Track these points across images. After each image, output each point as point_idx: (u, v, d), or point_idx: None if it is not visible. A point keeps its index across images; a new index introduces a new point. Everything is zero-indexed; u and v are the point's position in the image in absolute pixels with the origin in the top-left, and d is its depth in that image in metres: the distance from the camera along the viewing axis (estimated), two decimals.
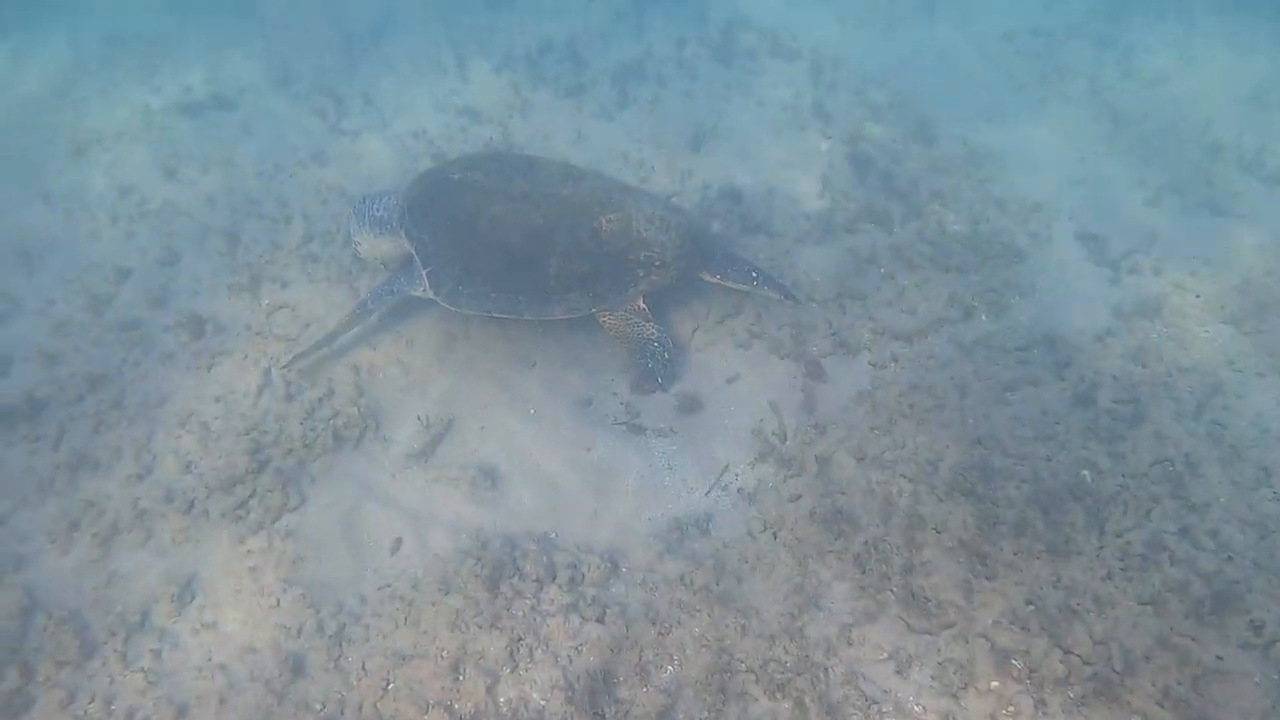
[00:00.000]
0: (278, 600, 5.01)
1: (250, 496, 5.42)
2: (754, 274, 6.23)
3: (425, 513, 5.44)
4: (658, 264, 5.94)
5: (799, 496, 5.42)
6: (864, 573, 4.96)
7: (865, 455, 5.51)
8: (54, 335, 6.36)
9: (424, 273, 5.94)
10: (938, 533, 5.04)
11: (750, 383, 6.16)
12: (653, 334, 5.98)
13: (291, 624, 4.92)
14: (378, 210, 6.33)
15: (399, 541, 5.29)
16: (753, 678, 4.50)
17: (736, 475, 5.67)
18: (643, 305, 6.02)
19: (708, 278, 6.23)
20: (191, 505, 5.38)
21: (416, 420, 5.87)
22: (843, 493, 5.37)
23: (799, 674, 4.49)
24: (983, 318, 6.44)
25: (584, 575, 5.06)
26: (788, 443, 5.79)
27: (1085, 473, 5.25)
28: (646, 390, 5.96)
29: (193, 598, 5.08)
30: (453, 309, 5.89)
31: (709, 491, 5.55)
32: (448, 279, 5.86)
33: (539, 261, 5.76)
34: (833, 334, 6.36)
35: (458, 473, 5.55)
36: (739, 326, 6.45)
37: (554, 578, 5.02)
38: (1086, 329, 6.19)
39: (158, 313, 6.52)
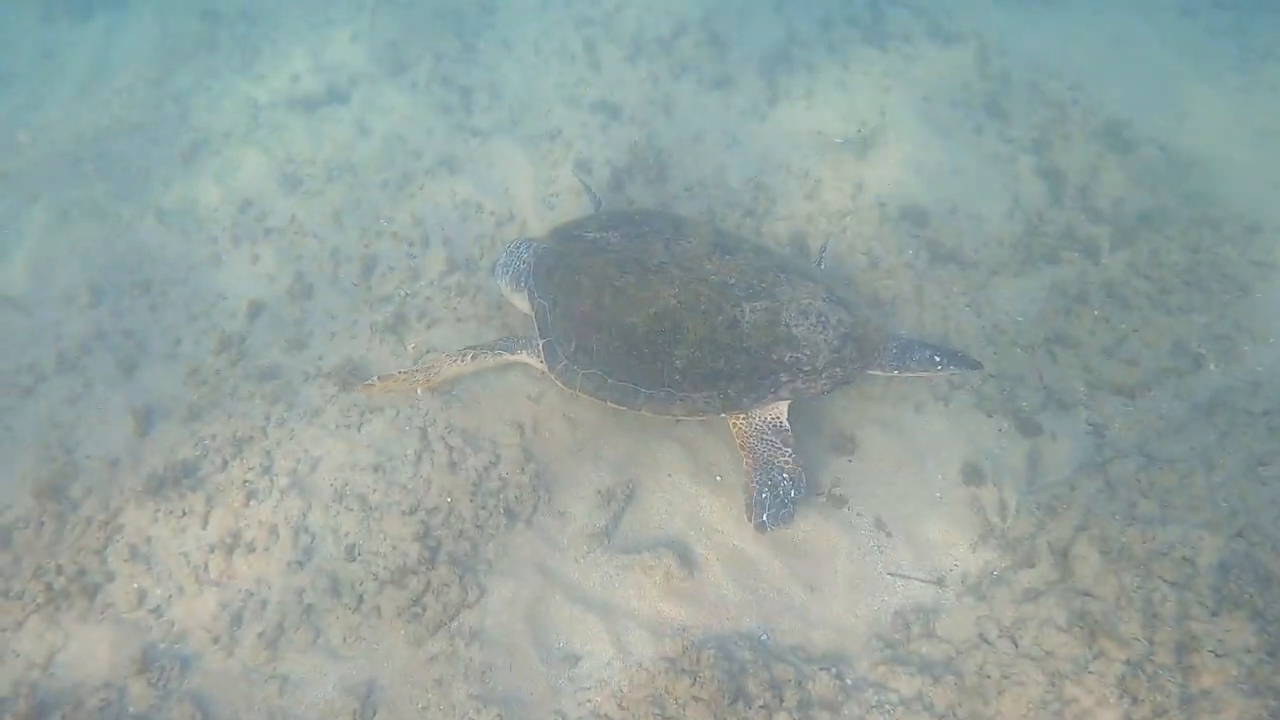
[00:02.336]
0: None
1: (425, 591, 4.87)
2: (937, 357, 5.26)
3: (618, 607, 4.87)
4: (806, 369, 4.96)
5: (1038, 595, 4.79)
6: (1135, 702, 4.33)
7: (1111, 548, 4.83)
8: (189, 384, 5.77)
9: (540, 343, 5.28)
10: (1217, 656, 4.38)
11: (956, 444, 5.47)
12: (785, 462, 5.03)
13: None
14: (524, 262, 5.63)
15: (596, 648, 4.70)
16: None
17: (955, 565, 5.03)
18: (784, 421, 5.10)
19: (879, 373, 5.29)
20: (361, 600, 4.83)
21: (595, 492, 5.24)
22: (1091, 595, 4.71)
23: None
24: (1212, 368, 5.68)
25: (812, 695, 4.47)
26: (1010, 522, 5.12)
27: None
28: (756, 523, 5.00)
29: (374, 713, 4.54)
30: (566, 389, 5.21)
31: (896, 574, 4.97)
32: (563, 354, 5.18)
33: (664, 349, 4.94)
34: (1044, 387, 5.63)
35: (651, 559, 4.96)
36: (938, 376, 5.73)
37: (781, 700, 4.43)
38: None
39: (297, 357, 5.91)
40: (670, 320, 4.91)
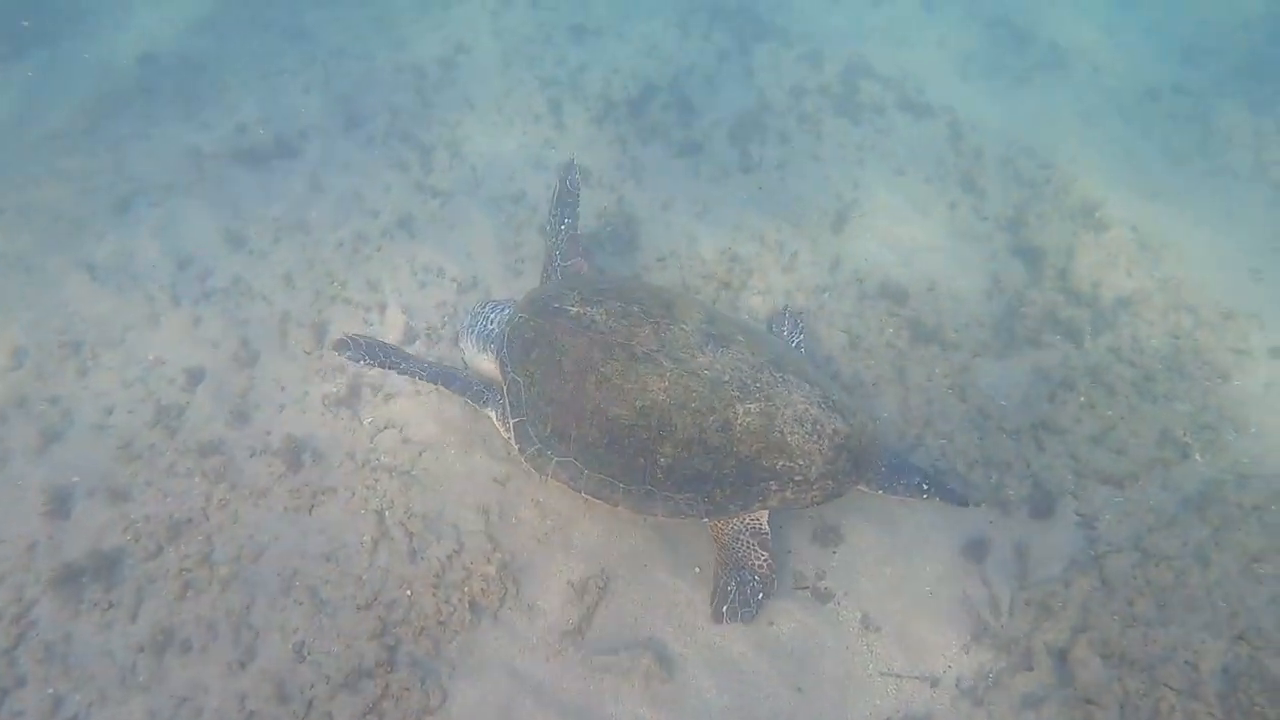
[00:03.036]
0: None
1: (382, 696, 4.45)
2: (925, 485, 4.99)
3: (595, 713, 4.52)
4: (798, 479, 4.66)
5: (1039, 702, 4.57)
6: None
7: (1111, 652, 4.63)
8: (119, 460, 5.27)
9: (511, 422, 4.90)
10: None
11: (945, 535, 5.25)
12: (760, 566, 4.81)
13: None
14: (491, 324, 5.34)
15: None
16: None
17: (948, 666, 4.77)
18: (764, 525, 4.86)
19: (865, 489, 4.99)
20: (310, 707, 4.42)
21: (567, 584, 4.89)
22: (1095, 703, 4.49)
23: None
24: (1198, 458, 5.57)
25: None
26: (1003, 621, 4.89)
27: None
28: (715, 612, 4.81)
29: None
30: (535, 473, 4.90)
31: (888, 673, 4.75)
32: (536, 437, 4.82)
33: (649, 446, 4.60)
34: (1030, 475, 5.46)
35: (627, 660, 4.64)
36: (922, 461, 5.54)
37: None
38: None
39: (241, 431, 5.46)
40: (658, 416, 4.59)
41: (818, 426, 4.64)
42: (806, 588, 5.05)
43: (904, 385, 5.89)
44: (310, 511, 5.14)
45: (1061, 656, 4.72)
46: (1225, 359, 6.10)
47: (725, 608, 4.77)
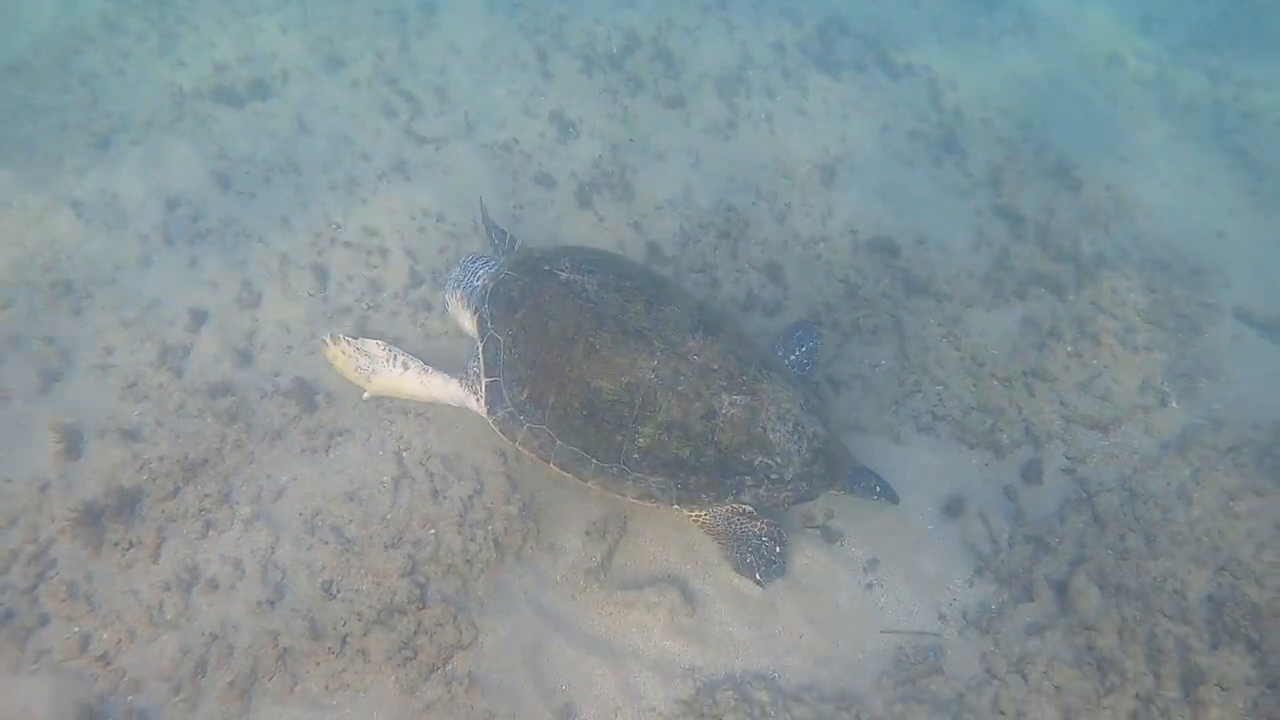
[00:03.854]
0: None
1: (416, 631, 4.49)
2: (878, 488, 5.03)
3: (623, 648, 4.65)
4: (773, 477, 4.64)
5: (1042, 630, 4.82)
6: None
7: (1108, 583, 4.91)
8: (126, 400, 5.19)
9: (485, 381, 4.77)
10: (1223, 690, 4.50)
11: (941, 475, 5.51)
12: (761, 529, 4.81)
13: None
14: (477, 280, 5.18)
15: (603, 692, 4.46)
16: None
17: (953, 600, 5.02)
18: (748, 507, 4.82)
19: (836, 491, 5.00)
20: (345, 642, 4.43)
21: (587, 523, 5.00)
22: (1095, 630, 4.77)
23: None
24: (1174, 405, 5.90)
25: None
26: (1003, 556, 5.16)
27: None
28: (752, 579, 4.86)
29: None
30: (503, 438, 4.75)
31: (890, 630, 4.92)
32: (510, 400, 4.67)
33: (629, 423, 4.53)
34: (1022, 420, 5.73)
35: (654, 596, 4.78)
36: (920, 407, 5.77)
37: None
38: None
39: (249, 373, 5.42)
40: (643, 394, 4.52)
41: (799, 427, 4.64)
42: (816, 527, 5.22)
43: (900, 334, 6.10)
44: (327, 452, 5.13)
45: (1061, 588, 4.99)
46: (1197, 312, 6.45)
47: (759, 575, 4.81)
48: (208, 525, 4.77)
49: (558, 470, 4.65)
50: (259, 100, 7.17)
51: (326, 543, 4.74)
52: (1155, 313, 6.28)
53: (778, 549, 4.86)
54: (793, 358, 5.43)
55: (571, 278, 4.79)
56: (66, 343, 5.48)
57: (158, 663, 4.36)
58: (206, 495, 4.86)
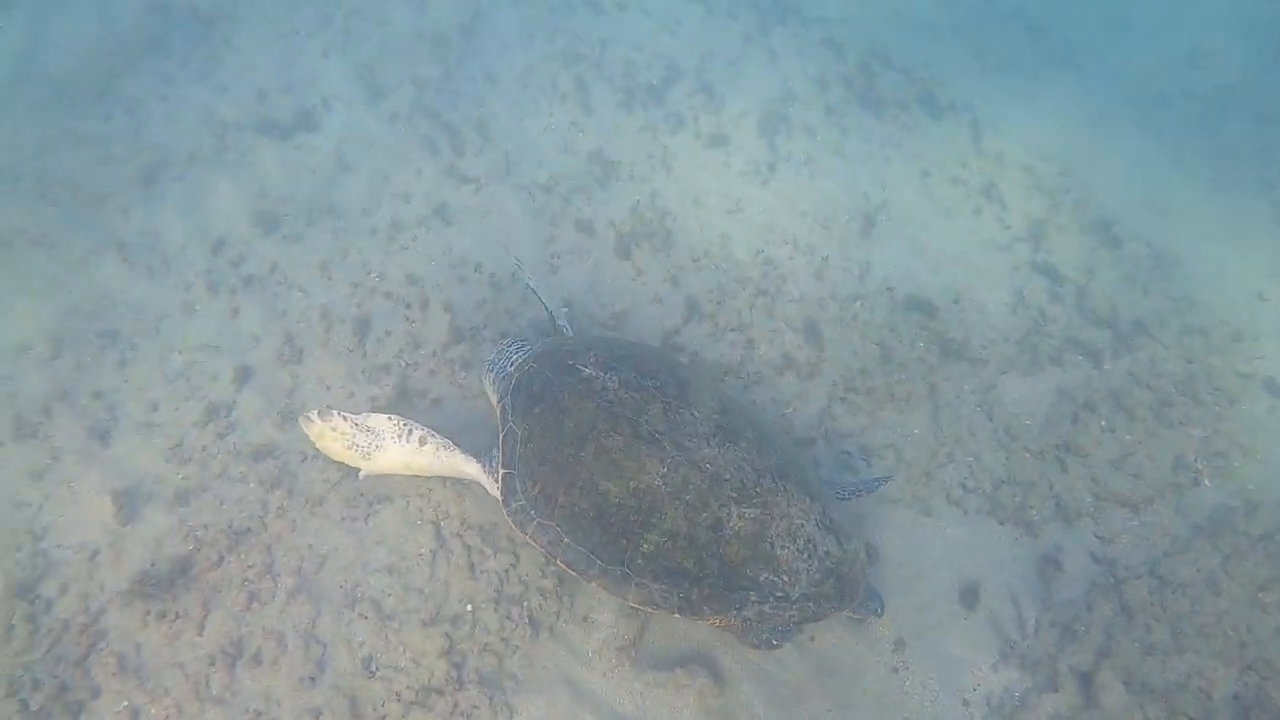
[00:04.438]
0: None
1: (453, 713, 4.62)
2: (879, 608, 5.02)
3: None
4: (779, 595, 4.55)
5: None
6: None
7: (1133, 679, 4.99)
8: (172, 461, 5.29)
9: (500, 473, 4.81)
10: None
11: (970, 550, 5.57)
12: (765, 629, 4.74)
13: None
14: (510, 363, 5.22)
15: None
16: None
17: (978, 685, 5.11)
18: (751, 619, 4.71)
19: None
20: None
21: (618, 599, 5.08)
22: None
23: None
24: (1207, 483, 5.93)
25: None
26: (1029, 641, 5.23)
27: None
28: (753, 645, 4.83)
29: None
30: (515, 530, 4.77)
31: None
32: (522, 494, 4.70)
33: (634, 529, 4.51)
34: (1053, 496, 5.78)
35: (683, 677, 4.88)
36: (952, 479, 5.82)
37: None
38: None
39: (291, 434, 5.50)
40: (650, 500, 4.51)
41: (810, 545, 4.60)
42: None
43: (934, 401, 6.13)
44: (367, 521, 5.23)
45: (1086, 680, 5.07)
46: (1233, 384, 6.44)
47: (774, 641, 4.76)
48: (251, 597, 4.89)
49: (564, 567, 4.67)
50: (302, 132, 7.17)
51: (366, 617, 4.86)
52: (1191, 385, 6.28)
53: (780, 640, 4.79)
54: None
55: (593, 374, 4.81)
56: (113, 398, 5.57)
57: None
58: (250, 565, 4.98)
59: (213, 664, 4.67)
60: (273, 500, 5.22)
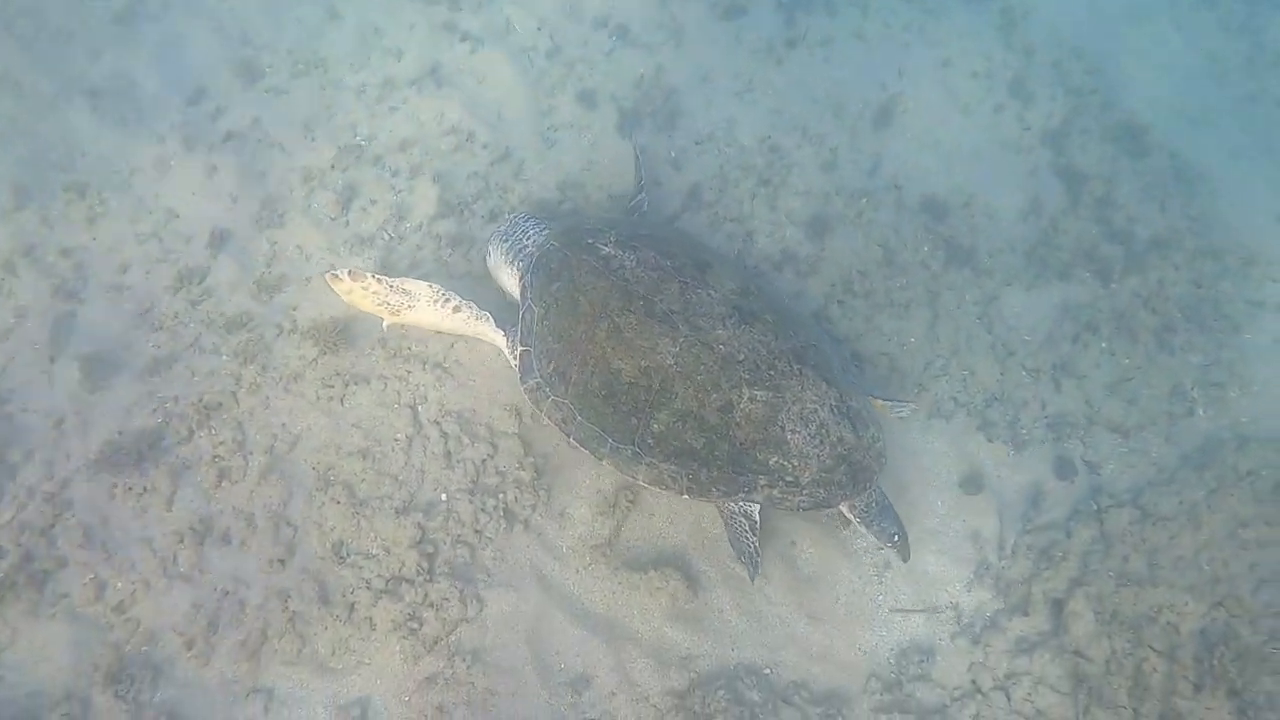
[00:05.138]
0: None
1: (422, 603, 4.60)
2: (895, 536, 4.85)
3: (623, 630, 4.80)
4: (788, 479, 4.52)
5: (1032, 648, 4.96)
6: None
7: (1104, 608, 5.01)
8: (142, 327, 5.12)
9: (518, 350, 4.84)
10: None
11: (956, 466, 5.51)
12: (748, 547, 4.70)
13: None
14: (527, 241, 5.12)
15: (600, 675, 4.62)
16: None
17: (951, 604, 5.13)
18: (755, 514, 4.71)
19: (846, 512, 4.81)
20: (352, 610, 4.55)
21: (597, 493, 5.04)
22: (1084, 656, 4.91)
23: None
24: (1201, 413, 5.84)
25: None
26: (1005, 562, 5.24)
27: None
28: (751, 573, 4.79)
29: None
30: (532, 407, 4.82)
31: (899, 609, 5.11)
32: (539, 371, 4.73)
33: (645, 407, 4.52)
34: (1045, 418, 5.69)
35: (659, 580, 4.87)
36: (944, 392, 5.71)
37: None
38: None
39: (268, 305, 5.32)
40: (660, 379, 4.48)
41: (822, 430, 4.53)
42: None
43: (934, 310, 5.96)
44: (343, 402, 5.11)
45: (1057, 606, 5.08)
46: (1240, 311, 6.26)
47: (751, 568, 4.75)
48: (221, 474, 4.81)
49: (576, 445, 4.68)
50: None
51: (338, 502, 4.80)
52: (1198, 311, 6.11)
53: (748, 573, 4.78)
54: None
55: (612, 253, 4.77)
56: (81, 256, 5.35)
57: (171, 616, 4.50)
58: (221, 442, 4.88)
59: (181, 541, 4.63)
60: (246, 375, 5.08)
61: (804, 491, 4.60)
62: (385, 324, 5.13)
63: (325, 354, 5.19)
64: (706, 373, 4.48)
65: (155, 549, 4.60)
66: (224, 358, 5.10)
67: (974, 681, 4.93)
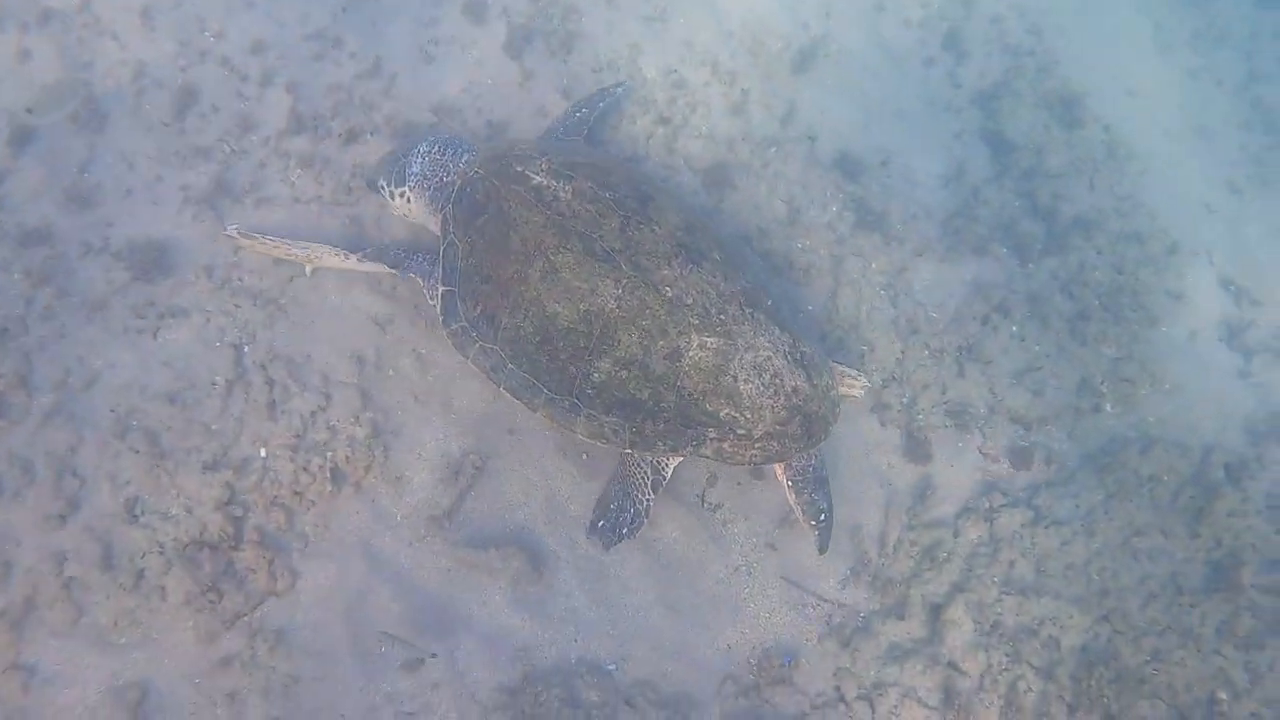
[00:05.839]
0: None
1: (224, 574, 4.06)
2: (823, 514, 4.55)
3: (456, 614, 4.36)
4: (739, 432, 4.22)
5: (904, 655, 4.65)
6: None
7: (985, 618, 4.69)
8: None
9: (440, 290, 4.38)
10: None
11: (842, 448, 5.10)
12: (642, 504, 4.46)
13: None
14: (449, 169, 4.61)
15: (420, 661, 4.15)
16: None
17: (823, 600, 4.76)
18: (668, 469, 4.48)
19: (779, 473, 4.59)
20: (140, 578, 4.01)
21: (440, 457, 4.53)
22: (958, 669, 4.58)
23: None
24: (1109, 408, 5.52)
25: None
26: (885, 560, 4.87)
27: (1221, 694, 4.63)
28: (591, 525, 4.56)
29: None
30: (456, 352, 4.41)
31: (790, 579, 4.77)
32: (463, 315, 4.33)
33: (584, 356, 4.16)
34: (945, 402, 5.30)
35: (498, 560, 4.44)
36: (838, 369, 5.27)
37: None
38: (1220, 451, 5.34)
39: (76, 218, 4.66)
40: (601, 325, 4.10)
41: (776, 380, 4.19)
42: (698, 493, 4.84)
43: (836, 277, 5.51)
44: (155, 336, 4.51)
45: (935, 612, 4.74)
46: (1159, 302, 5.94)
47: (601, 524, 4.49)
48: None
49: (508, 395, 4.31)
50: None
51: (137, 451, 4.22)
52: (1115, 299, 5.75)
53: (624, 532, 4.47)
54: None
55: (544, 183, 4.30)
56: None
57: None
58: (2, 375, 4.22)
59: None
60: (40, 298, 4.43)
61: (756, 445, 4.28)
62: (308, 270, 4.70)
63: (138, 280, 4.55)
64: (652, 317, 4.11)
65: None
66: (15, 276, 4.42)
67: (838, 689, 4.59)
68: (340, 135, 5.16)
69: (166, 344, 4.50)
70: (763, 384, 4.16)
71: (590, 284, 4.11)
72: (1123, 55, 7.08)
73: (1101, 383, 5.54)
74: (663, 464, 4.47)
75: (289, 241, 4.42)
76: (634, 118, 5.68)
